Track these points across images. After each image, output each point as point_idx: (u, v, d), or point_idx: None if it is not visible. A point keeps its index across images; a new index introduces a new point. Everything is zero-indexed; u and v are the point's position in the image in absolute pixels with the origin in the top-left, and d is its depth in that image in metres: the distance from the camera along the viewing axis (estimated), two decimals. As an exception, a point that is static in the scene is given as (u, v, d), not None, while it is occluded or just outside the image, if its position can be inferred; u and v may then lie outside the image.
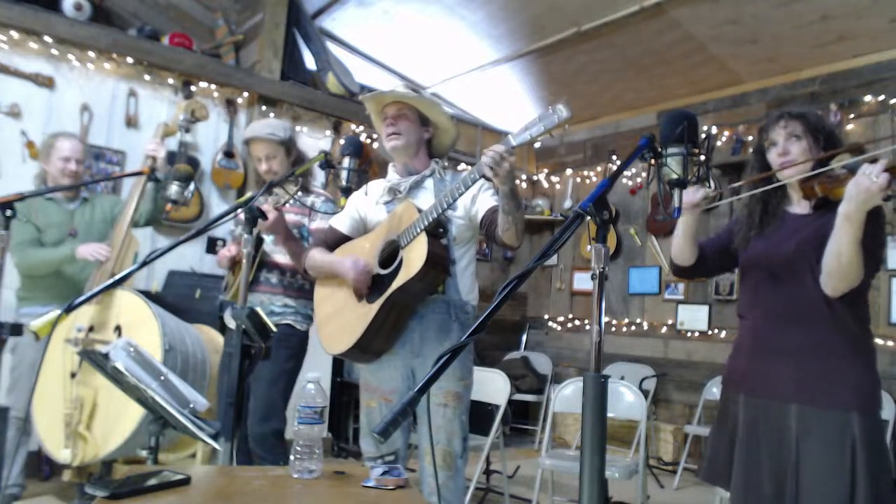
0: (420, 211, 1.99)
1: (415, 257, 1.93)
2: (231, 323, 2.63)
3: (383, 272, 2.06)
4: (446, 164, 2.24)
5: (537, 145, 6.67)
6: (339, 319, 2.16)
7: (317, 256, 2.23)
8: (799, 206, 1.82)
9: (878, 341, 4.03)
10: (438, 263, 1.96)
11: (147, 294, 3.04)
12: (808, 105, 4.54)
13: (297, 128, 4.70)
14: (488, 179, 1.85)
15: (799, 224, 1.77)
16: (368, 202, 2.27)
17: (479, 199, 2.10)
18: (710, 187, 1.77)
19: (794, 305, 1.71)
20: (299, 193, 2.62)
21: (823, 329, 1.67)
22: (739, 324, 1.91)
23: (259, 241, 2.57)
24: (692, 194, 1.83)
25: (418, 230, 1.95)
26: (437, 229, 2.00)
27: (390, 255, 2.07)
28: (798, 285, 1.71)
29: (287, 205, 2.59)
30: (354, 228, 2.28)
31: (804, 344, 1.69)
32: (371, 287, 2.09)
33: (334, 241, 2.28)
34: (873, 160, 1.50)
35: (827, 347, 1.67)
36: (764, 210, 1.84)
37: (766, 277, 1.79)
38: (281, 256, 2.61)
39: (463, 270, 2.12)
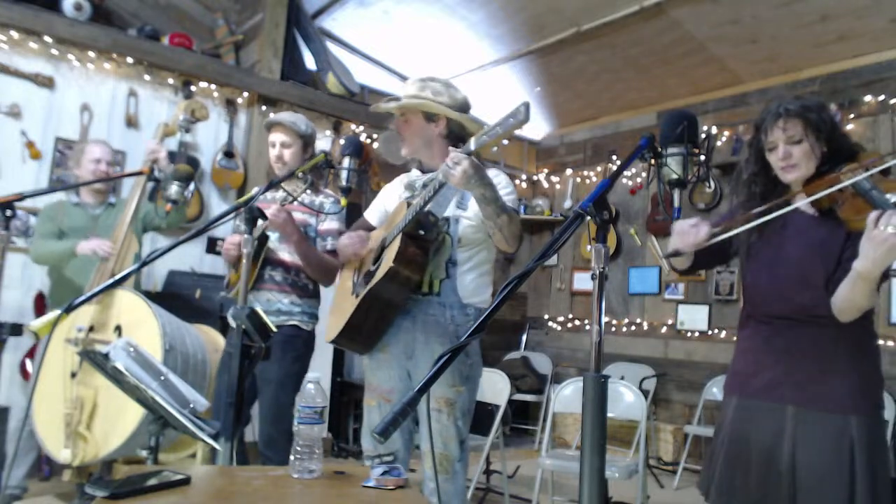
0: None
1: (388, 257, 1.97)
2: (233, 322, 2.63)
3: (373, 268, 2.10)
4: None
5: (536, 143, 6.67)
6: (338, 309, 2.23)
7: (342, 239, 2.29)
8: (801, 201, 1.70)
9: (879, 341, 4.03)
10: (410, 264, 1.97)
11: (147, 294, 3.04)
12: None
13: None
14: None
15: (804, 226, 1.69)
16: (393, 196, 2.31)
17: None
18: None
19: (797, 310, 1.67)
20: (308, 192, 2.62)
21: (826, 332, 1.63)
22: (740, 332, 1.84)
23: (264, 238, 2.57)
24: (694, 235, 1.65)
25: (397, 231, 1.99)
26: (416, 230, 2.00)
27: (381, 251, 2.12)
28: (803, 291, 1.65)
29: (295, 203, 2.56)
30: (382, 221, 2.32)
31: (806, 347, 1.66)
32: (363, 280, 2.14)
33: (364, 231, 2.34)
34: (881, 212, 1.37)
35: (828, 350, 1.63)
36: (764, 208, 1.74)
37: (770, 282, 1.72)
38: (286, 254, 2.60)
39: (466, 273, 2.09)
